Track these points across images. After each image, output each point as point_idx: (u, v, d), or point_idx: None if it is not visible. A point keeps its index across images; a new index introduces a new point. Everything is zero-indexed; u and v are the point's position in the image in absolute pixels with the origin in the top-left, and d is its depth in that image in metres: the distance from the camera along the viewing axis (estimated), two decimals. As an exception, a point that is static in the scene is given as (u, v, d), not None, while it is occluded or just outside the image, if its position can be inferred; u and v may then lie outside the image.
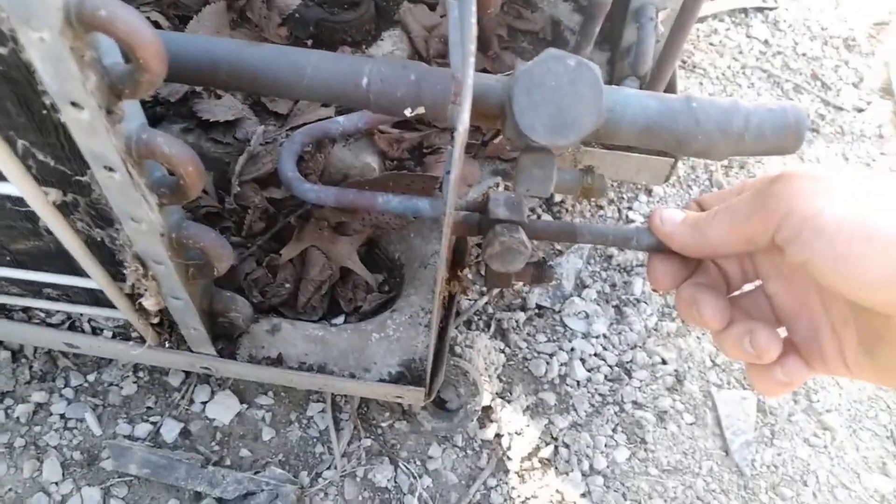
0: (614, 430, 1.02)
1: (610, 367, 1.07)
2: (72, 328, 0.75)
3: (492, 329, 1.08)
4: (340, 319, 0.86)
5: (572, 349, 1.07)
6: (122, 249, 0.58)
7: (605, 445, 1.00)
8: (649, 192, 1.28)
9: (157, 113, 0.89)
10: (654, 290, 1.13)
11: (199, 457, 0.93)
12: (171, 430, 0.95)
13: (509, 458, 0.97)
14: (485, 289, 1.12)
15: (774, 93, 1.46)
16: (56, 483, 0.90)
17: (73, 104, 0.41)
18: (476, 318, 1.09)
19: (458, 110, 0.45)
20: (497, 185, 0.97)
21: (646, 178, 1.05)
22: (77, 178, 0.52)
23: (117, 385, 0.99)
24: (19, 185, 0.48)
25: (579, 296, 1.13)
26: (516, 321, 1.09)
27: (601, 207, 1.25)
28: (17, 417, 0.94)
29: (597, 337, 1.09)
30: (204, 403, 0.98)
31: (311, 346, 0.77)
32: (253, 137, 0.89)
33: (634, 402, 1.04)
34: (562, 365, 1.06)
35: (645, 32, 0.91)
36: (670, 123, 0.50)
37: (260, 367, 0.75)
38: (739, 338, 0.43)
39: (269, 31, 0.99)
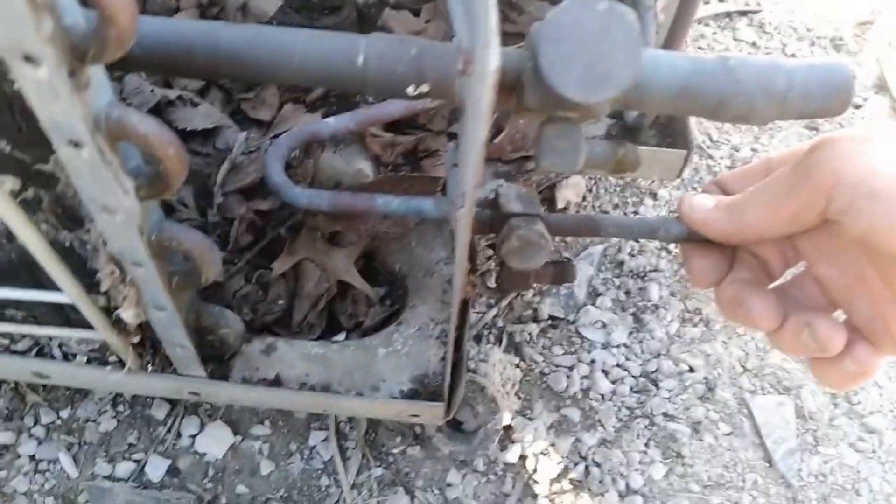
0: (647, 445, 0.94)
1: (634, 377, 0.99)
2: (40, 354, 0.67)
3: (504, 343, 1.01)
4: (341, 337, 0.79)
5: (592, 361, 1.00)
6: (95, 254, 0.51)
7: (640, 462, 0.92)
8: (654, 196, 1.23)
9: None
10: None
11: (191, 496, 0.85)
12: (156, 468, 0.87)
13: (536, 482, 0.89)
14: (492, 301, 1.05)
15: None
16: (28, 535, 0.82)
17: (27, 58, 0.34)
18: (486, 331, 1.02)
19: (479, 63, 0.38)
20: (500, 187, 0.92)
21: (658, 173, 1.00)
22: (39, 167, 0.45)
23: (94, 421, 0.90)
24: (-34, 175, 0.42)
25: (594, 304, 1.06)
26: (529, 333, 1.02)
27: (606, 213, 1.20)
28: (-19, 463, 0.86)
29: (617, 347, 1.02)
30: (193, 437, 0.90)
31: (312, 365, 0.70)
32: (235, 146, 0.83)
33: (665, 414, 0.96)
34: (583, 378, 0.98)
35: (644, 22, 0.88)
36: (708, 84, 0.44)
37: (256, 389, 0.68)
38: (797, 332, 0.39)
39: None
